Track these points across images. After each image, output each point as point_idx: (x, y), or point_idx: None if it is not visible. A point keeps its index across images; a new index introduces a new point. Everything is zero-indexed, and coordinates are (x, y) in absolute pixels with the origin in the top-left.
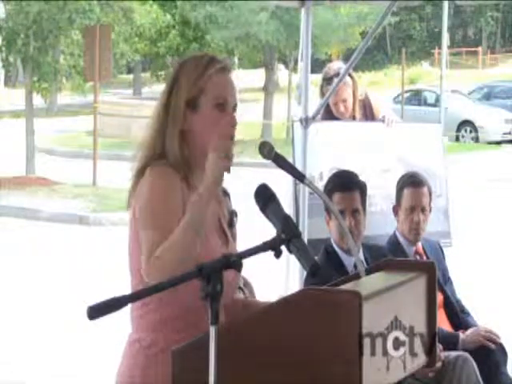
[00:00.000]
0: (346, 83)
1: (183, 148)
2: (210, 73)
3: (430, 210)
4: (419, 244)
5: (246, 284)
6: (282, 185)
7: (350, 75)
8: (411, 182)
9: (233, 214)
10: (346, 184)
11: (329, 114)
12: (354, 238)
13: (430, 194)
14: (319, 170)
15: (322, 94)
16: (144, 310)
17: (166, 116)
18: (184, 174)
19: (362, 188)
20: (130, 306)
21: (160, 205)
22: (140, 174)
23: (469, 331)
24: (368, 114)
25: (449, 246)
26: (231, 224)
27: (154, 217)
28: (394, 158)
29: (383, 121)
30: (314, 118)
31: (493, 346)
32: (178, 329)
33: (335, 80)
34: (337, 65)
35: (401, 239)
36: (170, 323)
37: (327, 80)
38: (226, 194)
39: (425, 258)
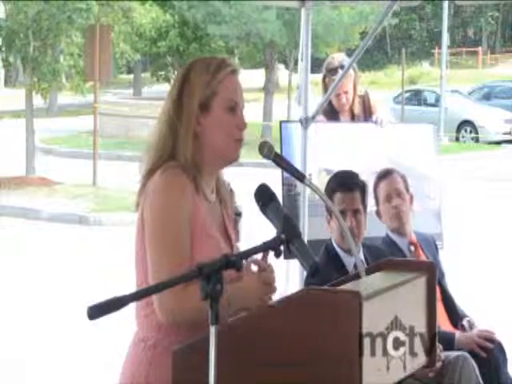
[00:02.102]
0: (348, 75)
1: (195, 150)
2: (222, 75)
3: (412, 198)
4: (412, 236)
5: None
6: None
7: (352, 68)
8: (379, 177)
9: (237, 214)
10: (346, 184)
11: (329, 106)
12: (355, 239)
13: (405, 181)
14: (308, 172)
15: (325, 84)
16: (149, 310)
17: (177, 117)
18: (193, 176)
19: (362, 188)
20: (135, 305)
21: (170, 226)
22: (150, 175)
23: (464, 334)
24: (366, 110)
25: (440, 248)
26: (235, 223)
27: (165, 238)
28: (386, 159)
29: (376, 122)
30: (313, 117)
31: (484, 354)
32: (183, 329)
33: (339, 71)
34: (341, 56)
35: (392, 236)
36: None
37: (331, 71)
38: (231, 191)
39: (420, 249)
